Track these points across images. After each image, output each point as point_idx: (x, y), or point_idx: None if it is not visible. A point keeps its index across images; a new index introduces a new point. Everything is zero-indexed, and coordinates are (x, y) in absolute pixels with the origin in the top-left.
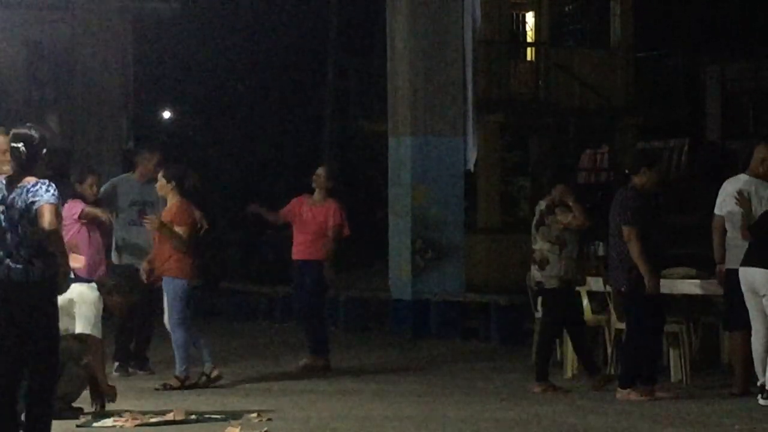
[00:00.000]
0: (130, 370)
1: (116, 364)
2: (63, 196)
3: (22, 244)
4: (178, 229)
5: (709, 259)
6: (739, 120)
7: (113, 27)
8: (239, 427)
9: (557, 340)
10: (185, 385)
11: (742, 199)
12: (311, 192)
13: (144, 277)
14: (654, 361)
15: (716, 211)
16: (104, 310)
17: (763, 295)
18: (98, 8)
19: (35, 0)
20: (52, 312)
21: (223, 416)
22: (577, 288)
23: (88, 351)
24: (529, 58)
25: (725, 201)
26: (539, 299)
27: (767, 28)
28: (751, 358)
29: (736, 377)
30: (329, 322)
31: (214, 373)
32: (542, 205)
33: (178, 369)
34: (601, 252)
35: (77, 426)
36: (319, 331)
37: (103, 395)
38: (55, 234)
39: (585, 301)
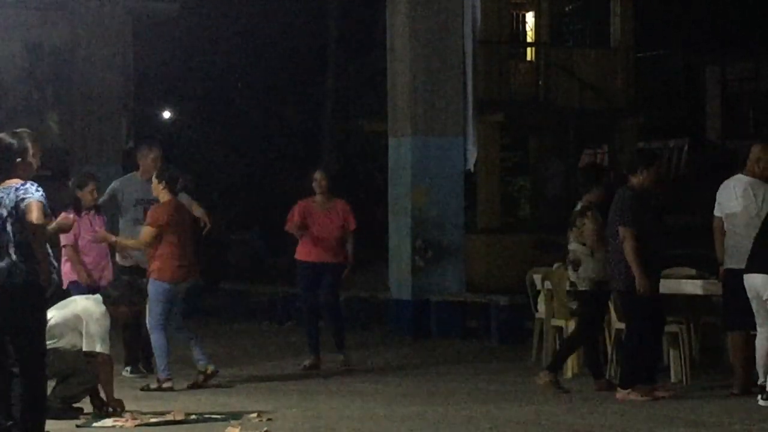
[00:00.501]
0: (143, 370)
1: (128, 368)
2: (62, 199)
3: (9, 243)
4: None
5: (709, 259)
6: (739, 120)
7: (113, 27)
8: (239, 427)
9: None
10: (162, 387)
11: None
12: (311, 194)
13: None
14: (654, 361)
15: (715, 212)
16: (111, 321)
17: (766, 299)
18: (98, 8)
19: (35, 0)
20: (38, 315)
21: (223, 416)
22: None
23: (97, 368)
24: (529, 58)
25: (723, 202)
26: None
27: (767, 28)
28: (752, 359)
29: (736, 377)
30: (329, 322)
31: (209, 369)
32: (578, 206)
33: (158, 370)
34: None
35: (77, 426)
36: (342, 328)
37: (104, 406)
38: (41, 230)
39: None
